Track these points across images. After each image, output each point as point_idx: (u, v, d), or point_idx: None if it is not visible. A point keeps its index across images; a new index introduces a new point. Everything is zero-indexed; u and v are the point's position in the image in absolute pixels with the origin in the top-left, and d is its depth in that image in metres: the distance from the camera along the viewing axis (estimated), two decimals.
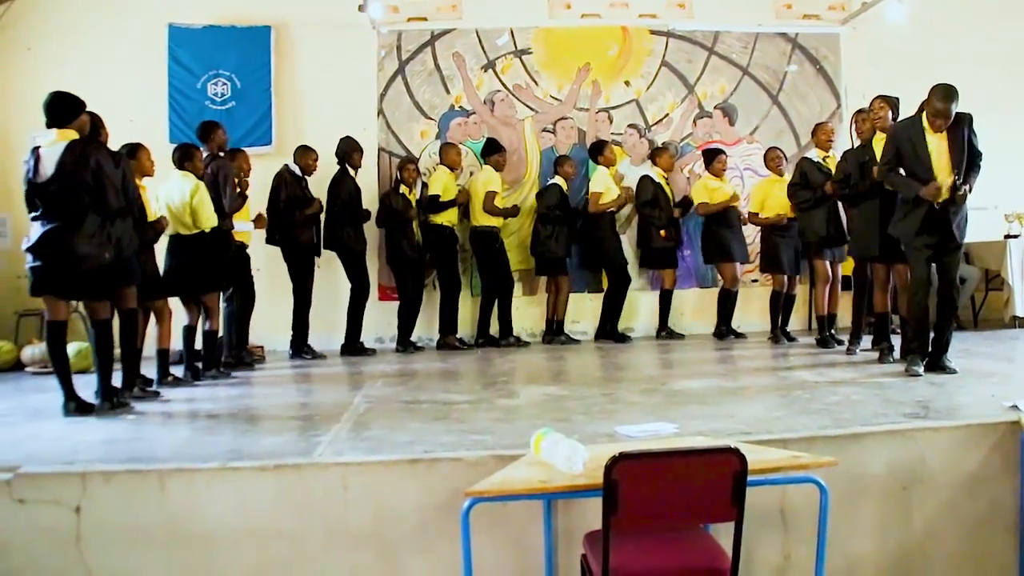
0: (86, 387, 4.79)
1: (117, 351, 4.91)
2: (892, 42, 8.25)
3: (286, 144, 7.69)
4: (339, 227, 7.41)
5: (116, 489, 3.14)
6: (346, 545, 3.17)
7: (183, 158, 5.92)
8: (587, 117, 8.61)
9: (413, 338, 7.84)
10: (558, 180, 7.94)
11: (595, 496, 2.34)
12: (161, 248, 5.90)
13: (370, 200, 7.76)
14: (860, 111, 6.56)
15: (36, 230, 4.52)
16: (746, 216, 7.85)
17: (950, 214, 5.14)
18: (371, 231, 7.73)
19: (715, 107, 8.74)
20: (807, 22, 8.80)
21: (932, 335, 5.31)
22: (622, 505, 2.27)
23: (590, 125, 8.59)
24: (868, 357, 6.05)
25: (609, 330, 8.04)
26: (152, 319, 5.86)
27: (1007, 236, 7.95)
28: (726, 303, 7.96)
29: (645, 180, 8.04)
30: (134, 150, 5.46)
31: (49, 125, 4.53)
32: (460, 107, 8.47)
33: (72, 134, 4.54)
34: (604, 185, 7.90)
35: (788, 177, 7.44)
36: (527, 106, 8.55)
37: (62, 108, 4.56)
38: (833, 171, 6.72)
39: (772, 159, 7.66)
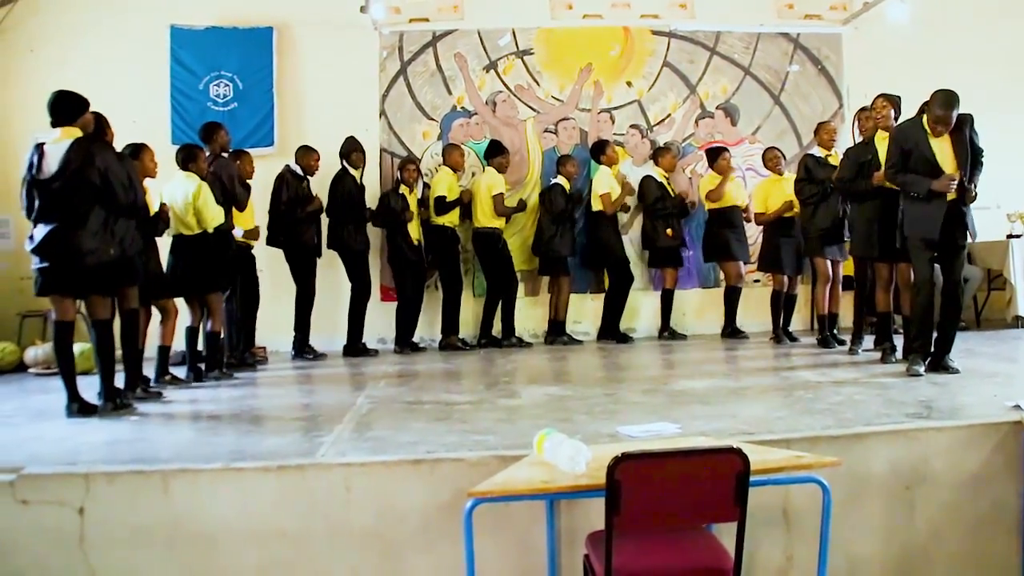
0: (89, 388, 4.79)
1: (118, 352, 4.91)
2: (894, 42, 8.25)
3: (288, 145, 7.69)
4: (340, 226, 7.43)
5: (119, 490, 3.14)
6: (349, 545, 3.17)
7: (187, 159, 5.93)
8: (589, 118, 8.61)
9: (415, 339, 7.85)
10: (560, 180, 7.94)
11: (598, 496, 2.34)
12: (164, 247, 5.91)
13: (372, 200, 7.78)
14: (864, 109, 6.55)
15: (39, 230, 4.52)
16: (752, 217, 7.85)
17: (960, 214, 5.15)
18: (374, 231, 7.74)
19: (717, 107, 8.74)
20: (809, 22, 8.80)
21: (936, 335, 5.31)
22: (625, 505, 2.27)
23: (592, 126, 8.59)
24: (871, 357, 6.04)
25: (610, 330, 8.04)
26: (155, 318, 5.86)
27: (1009, 236, 7.95)
28: (734, 300, 7.96)
29: (649, 180, 8.03)
30: (137, 151, 5.47)
31: (54, 124, 4.54)
32: (462, 108, 8.47)
33: (76, 132, 4.54)
34: (609, 185, 7.91)
35: (788, 176, 7.45)
36: (529, 107, 8.55)
37: (66, 106, 4.57)
38: (838, 167, 6.71)
39: (771, 159, 7.67)
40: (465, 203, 7.82)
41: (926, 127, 5.13)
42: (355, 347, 7.51)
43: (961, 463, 3.52)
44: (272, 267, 7.38)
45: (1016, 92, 8.55)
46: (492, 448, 3.38)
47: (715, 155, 7.93)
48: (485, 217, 7.78)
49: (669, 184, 8.10)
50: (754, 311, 8.27)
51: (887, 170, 5.47)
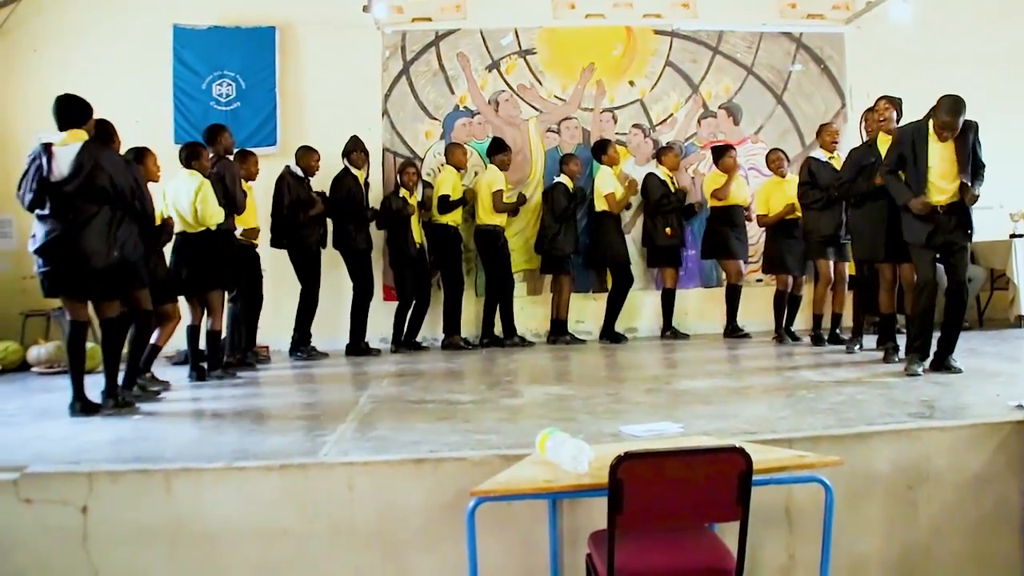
0: (93, 387, 4.79)
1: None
2: (896, 41, 8.25)
3: (291, 145, 7.69)
4: (342, 226, 7.43)
5: (122, 489, 3.15)
6: (351, 545, 3.18)
7: (190, 157, 5.94)
8: (591, 117, 8.61)
9: (418, 338, 7.85)
10: (563, 179, 7.94)
11: (600, 496, 2.34)
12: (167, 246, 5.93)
13: (376, 200, 7.78)
14: (870, 110, 6.53)
15: (41, 232, 4.53)
16: (754, 218, 7.86)
17: (953, 217, 5.15)
18: (376, 232, 7.73)
19: (719, 107, 8.74)
20: (811, 21, 8.79)
21: (940, 335, 5.31)
22: (627, 505, 2.27)
23: (594, 125, 8.59)
24: (873, 357, 6.04)
25: (607, 330, 8.03)
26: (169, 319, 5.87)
27: (1012, 235, 7.94)
28: (735, 299, 7.97)
29: (653, 178, 8.03)
30: (141, 155, 5.47)
31: (61, 127, 4.56)
32: (464, 107, 8.48)
33: (83, 135, 4.57)
34: (612, 185, 7.91)
35: (790, 178, 7.44)
36: (531, 106, 8.55)
37: (73, 110, 4.60)
38: (840, 170, 6.71)
39: (773, 160, 7.67)
40: (468, 202, 7.82)
41: (930, 131, 5.13)
42: (357, 347, 7.51)
43: (964, 463, 3.51)
44: (275, 267, 7.38)
45: (1018, 92, 8.54)
46: (495, 447, 3.39)
47: (721, 153, 7.92)
48: (486, 214, 7.79)
49: (673, 183, 8.10)
50: (757, 311, 8.27)
51: (883, 167, 5.48)
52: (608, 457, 2.30)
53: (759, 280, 8.41)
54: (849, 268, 7.05)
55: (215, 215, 5.88)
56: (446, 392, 5.21)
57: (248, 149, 7.14)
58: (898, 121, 5.82)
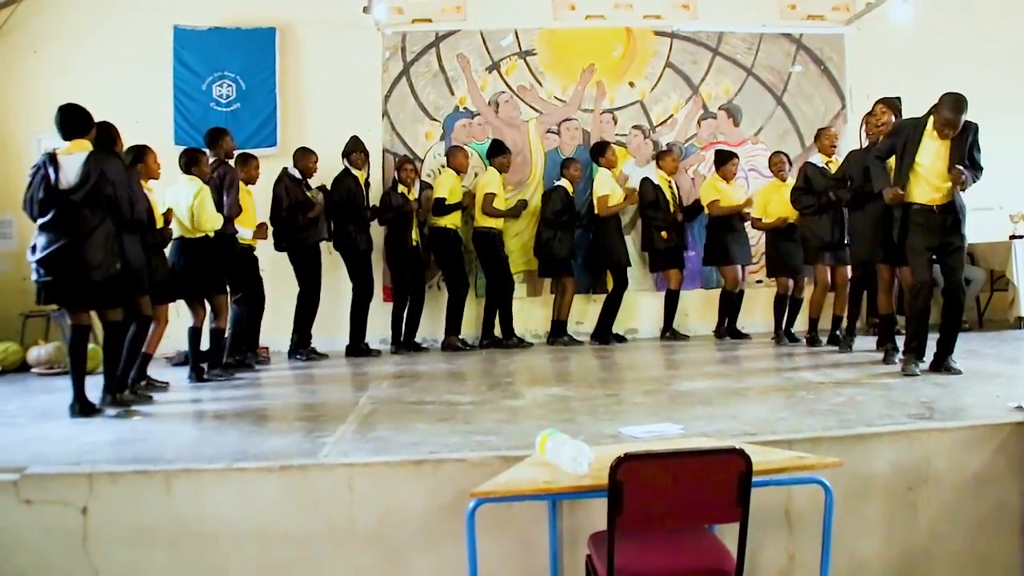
0: (93, 388, 4.80)
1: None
2: (896, 42, 8.25)
3: (291, 146, 7.68)
4: (341, 226, 7.43)
5: (122, 490, 3.15)
6: (351, 546, 3.18)
7: (189, 163, 5.95)
8: (591, 118, 8.61)
9: (417, 339, 7.85)
10: (564, 183, 7.94)
11: (600, 497, 2.35)
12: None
13: (375, 200, 7.77)
14: (870, 114, 6.52)
15: (43, 242, 4.54)
16: (750, 220, 7.86)
17: (948, 217, 5.16)
18: (376, 232, 7.72)
19: (719, 108, 8.74)
20: (811, 23, 8.79)
21: (939, 336, 5.31)
22: (627, 506, 2.27)
23: (594, 126, 8.59)
24: (873, 358, 6.04)
25: (599, 331, 8.02)
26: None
27: (1012, 237, 7.94)
28: (727, 304, 7.99)
29: (646, 183, 8.03)
30: (141, 153, 5.47)
31: (65, 137, 4.58)
32: (464, 108, 8.48)
33: (87, 144, 4.61)
34: (609, 187, 7.90)
35: (791, 182, 7.45)
36: (531, 107, 8.55)
37: (76, 119, 4.64)
38: (838, 169, 6.72)
39: (775, 163, 7.67)
40: (466, 206, 7.82)
41: (928, 127, 5.13)
42: (357, 347, 7.51)
43: (963, 464, 3.52)
44: (275, 269, 7.38)
45: (1018, 93, 8.54)
46: (494, 449, 3.39)
47: (725, 159, 7.90)
48: (482, 216, 7.80)
49: (671, 187, 8.09)
50: (758, 312, 8.29)
51: (872, 152, 5.50)
52: (608, 458, 2.30)
53: (759, 282, 8.41)
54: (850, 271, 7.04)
55: (211, 221, 5.88)
56: (446, 393, 5.21)
57: (250, 153, 7.14)
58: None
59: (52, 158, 4.53)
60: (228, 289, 6.32)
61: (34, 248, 4.60)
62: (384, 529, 3.18)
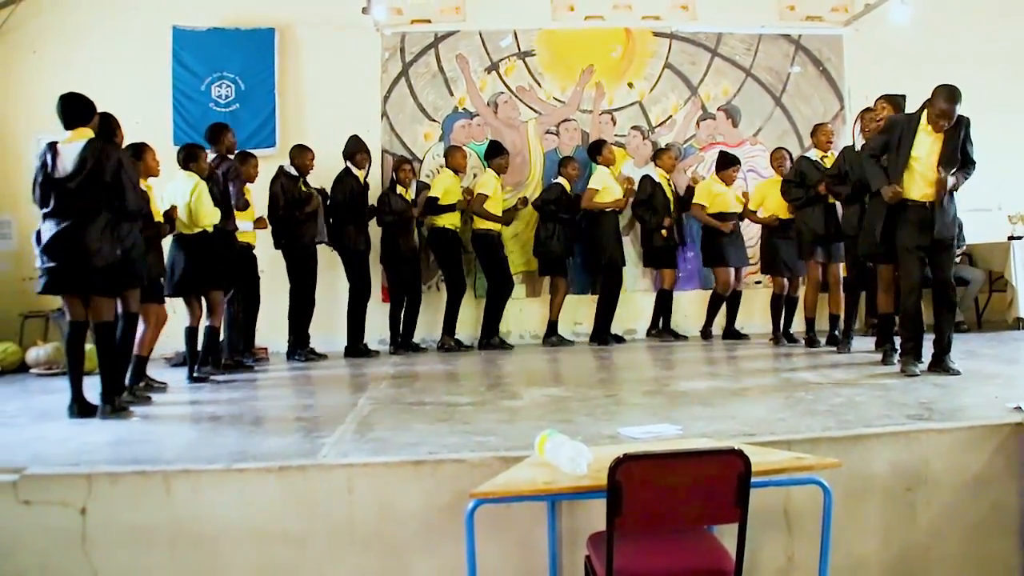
0: (90, 388, 4.79)
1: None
2: (895, 43, 8.25)
3: (290, 146, 7.66)
4: (340, 226, 7.43)
5: (122, 490, 3.15)
6: (350, 546, 3.18)
7: (188, 158, 5.94)
8: (590, 119, 8.61)
9: (416, 339, 7.85)
10: (561, 181, 7.94)
11: (599, 498, 2.35)
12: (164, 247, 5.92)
13: (373, 200, 7.77)
14: (868, 110, 6.52)
15: (47, 229, 4.55)
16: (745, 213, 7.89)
17: (936, 215, 5.17)
18: (375, 232, 7.72)
19: (718, 109, 8.75)
20: (810, 24, 8.80)
21: (934, 336, 5.31)
22: (626, 506, 2.27)
23: (593, 127, 8.60)
24: (871, 358, 6.05)
25: (597, 332, 8.01)
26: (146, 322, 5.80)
27: (1011, 237, 7.95)
28: (715, 306, 8.02)
29: (645, 180, 8.04)
30: (139, 150, 5.47)
31: (66, 126, 4.58)
32: (464, 109, 8.48)
33: (89, 132, 4.60)
34: (602, 183, 7.89)
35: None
36: (530, 108, 8.56)
37: (78, 107, 4.62)
38: (831, 167, 6.73)
39: (777, 158, 7.68)
40: (461, 209, 7.81)
41: (922, 122, 5.13)
42: (356, 348, 7.51)
43: (962, 465, 3.52)
44: (272, 268, 7.38)
45: (1017, 93, 8.56)
46: (493, 449, 3.39)
47: (727, 164, 7.90)
48: (479, 218, 7.80)
49: (669, 185, 8.10)
50: (756, 313, 8.29)
51: (864, 148, 5.49)
52: (607, 459, 2.30)
53: (758, 282, 8.41)
54: (843, 269, 7.06)
55: (209, 216, 5.87)
56: (445, 394, 5.21)
57: (248, 151, 7.14)
58: None
59: (52, 147, 4.54)
60: (226, 286, 6.31)
61: (39, 238, 4.59)
62: (383, 529, 3.18)
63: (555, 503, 3.05)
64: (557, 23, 8.60)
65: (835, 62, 8.80)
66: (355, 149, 7.50)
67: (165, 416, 4.82)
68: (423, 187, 8.10)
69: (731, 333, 8.05)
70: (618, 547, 2.33)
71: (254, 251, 6.93)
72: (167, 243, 5.93)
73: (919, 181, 5.18)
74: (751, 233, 8.13)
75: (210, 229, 5.94)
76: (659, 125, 8.68)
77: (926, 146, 5.13)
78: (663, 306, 8.20)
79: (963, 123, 5.12)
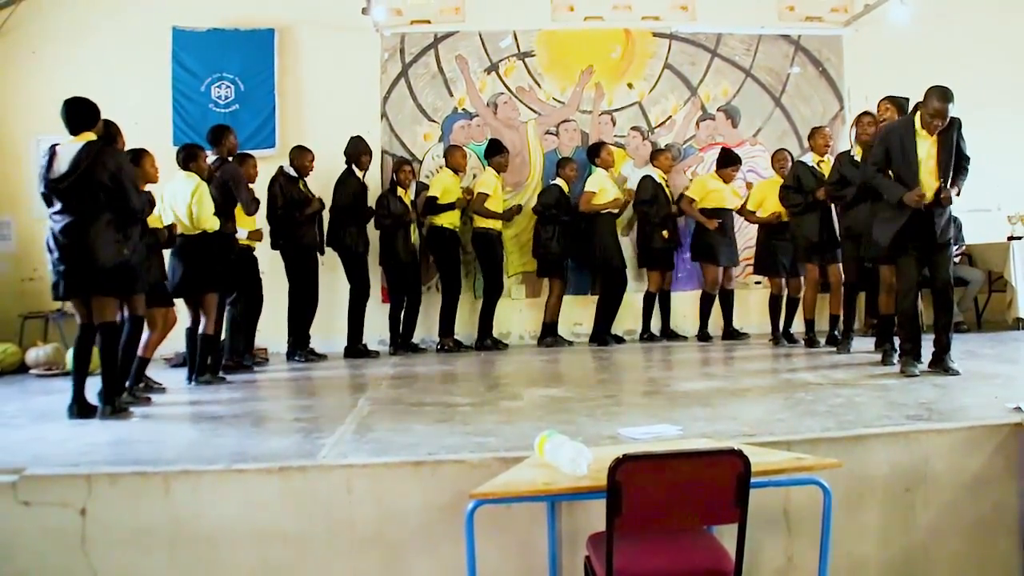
0: (88, 389, 4.78)
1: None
2: (894, 44, 8.25)
3: (289, 147, 7.65)
4: (341, 227, 7.43)
5: (121, 491, 3.15)
6: (350, 547, 3.18)
7: (187, 159, 5.92)
8: (590, 119, 8.61)
9: (416, 340, 7.85)
10: (559, 182, 7.94)
11: (599, 498, 2.35)
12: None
13: (372, 202, 7.77)
14: (865, 114, 6.52)
15: (51, 231, 4.57)
16: (744, 212, 7.90)
17: (935, 216, 5.18)
18: (374, 232, 7.73)
19: (718, 109, 8.75)
20: (810, 24, 8.80)
21: (934, 336, 5.32)
22: (626, 507, 2.27)
23: (593, 127, 8.60)
24: (871, 359, 6.05)
25: (596, 334, 8.01)
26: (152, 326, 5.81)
27: (1010, 238, 7.95)
28: (707, 305, 8.04)
29: (647, 180, 8.04)
30: (138, 156, 5.45)
31: (71, 131, 4.59)
32: (463, 110, 8.48)
33: (91, 136, 4.60)
34: (599, 186, 7.87)
35: None
36: (530, 108, 8.56)
37: (83, 112, 4.63)
38: (827, 175, 6.73)
39: (778, 159, 7.67)
40: (460, 208, 7.81)
41: (917, 127, 5.13)
42: (355, 348, 7.51)
43: (961, 465, 3.52)
44: (274, 269, 7.38)
45: (1016, 94, 8.56)
46: (493, 450, 3.39)
47: (728, 162, 7.92)
48: (479, 217, 7.80)
49: (667, 185, 8.10)
50: (754, 313, 8.29)
51: (868, 166, 5.46)
52: (606, 459, 2.30)
53: (757, 283, 8.41)
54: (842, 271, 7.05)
55: (211, 218, 5.86)
56: (444, 394, 5.21)
57: (246, 152, 7.13)
58: None
59: (53, 149, 4.56)
60: (223, 289, 6.28)
61: (47, 241, 4.61)
62: (383, 530, 3.18)
63: (555, 503, 3.05)
64: (557, 24, 8.60)
65: (835, 62, 8.80)
66: (360, 151, 7.50)
67: (165, 417, 4.82)
68: (423, 188, 8.10)
69: (730, 333, 8.05)
70: (618, 547, 2.33)
71: (254, 253, 6.91)
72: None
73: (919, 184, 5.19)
74: (750, 234, 8.12)
75: (210, 231, 5.92)
76: (659, 126, 8.68)
77: (923, 150, 5.14)
78: (651, 309, 8.19)
79: (955, 124, 5.13)
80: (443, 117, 8.46)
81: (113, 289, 4.66)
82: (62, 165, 4.49)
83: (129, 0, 8.05)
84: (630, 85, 8.66)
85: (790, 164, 7.60)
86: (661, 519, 2.38)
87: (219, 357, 6.33)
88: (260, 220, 7.00)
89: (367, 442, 3.69)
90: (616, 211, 8.02)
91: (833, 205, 6.77)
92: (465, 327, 8.04)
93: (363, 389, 5.62)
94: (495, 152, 7.92)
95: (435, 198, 7.64)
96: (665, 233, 7.96)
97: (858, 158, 6.29)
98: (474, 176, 8.19)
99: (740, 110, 8.75)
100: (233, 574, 3.15)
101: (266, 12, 8.17)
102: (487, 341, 7.82)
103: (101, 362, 4.70)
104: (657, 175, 8.06)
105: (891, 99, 6.02)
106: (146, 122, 7.33)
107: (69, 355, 6.38)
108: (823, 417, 3.93)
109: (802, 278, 7.26)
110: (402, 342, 7.74)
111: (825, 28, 8.80)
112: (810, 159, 7.13)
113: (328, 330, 7.67)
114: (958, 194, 5.23)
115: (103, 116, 4.95)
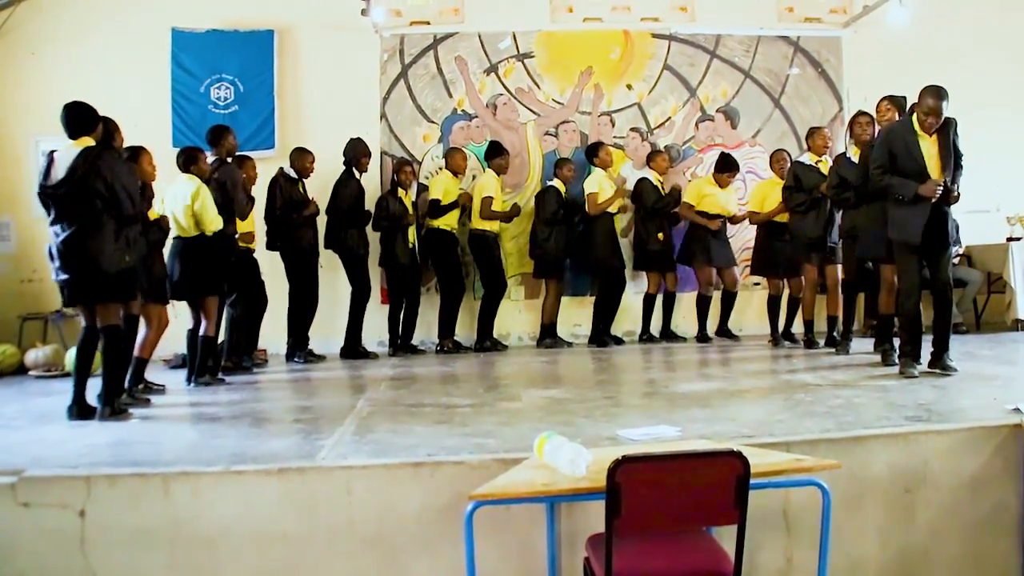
0: (88, 390, 4.78)
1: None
2: (893, 45, 8.25)
3: (289, 148, 7.65)
4: (341, 229, 7.43)
5: (121, 492, 3.15)
6: (349, 548, 3.18)
7: (188, 161, 5.91)
8: (589, 121, 8.62)
9: (415, 341, 7.85)
10: (556, 183, 7.94)
11: (598, 499, 2.35)
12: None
13: (370, 203, 7.76)
14: (862, 113, 6.51)
15: (52, 238, 4.57)
16: (745, 213, 7.92)
17: (946, 216, 5.18)
18: (372, 234, 7.73)
19: (717, 110, 8.75)
20: (809, 25, 8.80)
21: (933, 335, 5.33)
22: (625, 508, 2.27)
23: (592, 129, 8.60)
24: (870, 359, 6.05)
25: (596, 334, 8.01)
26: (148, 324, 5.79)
27: (1009, 239, 7.96)
28: (703, 307, 8.04)
29: (646, 182, 8.04)
30: (136, 154, 5.45)
31: (70, 136, 4.59)
32: (462, 111, 8.48)
33: (89, 141, 4.60)
34: (598, 186, 7.87)
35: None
36: (529, 110, 8.56)
37: (82, 117, 4.63)
38: (827, 174, 6.72)
39: (777, 160, 7.67)
40: (463, 205, 7.81)
41: (915, 127, 5.14)
42: (354, 349, 7.51)
43: (961, 466, 3.52)
44: (274, 270, 7.37)
45: (1015, 95, 8.56)
46: (493, 451, 3.38)
47: (725, 167, 7.92)
48: (478, 219, 7.81)
49: (663, 187, 8.10)
50: (754, 313, 8.29)
51: (873, 171, 5.46)
52: (606, 460, 2.31)
53: (756, 283, 8.40)
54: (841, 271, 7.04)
55: (213, 220, 5.84)
56: (443, 396, 5.21)
57: (245, 154, 7.11)
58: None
59: (51, 155, 4.56)
60: (223, 291, 6.27)
61: (51, 252, 4.62)
62: (382, 531, 3.18)
63: (554, 505, 3.04)
64: (556, 25, 8.60)
65: (834, 63, 8.81)
66: (360, 153, 7.50)
67: (164, 418, 4.82)
68: (423, 189, 8.10)
69: (723, 332, 8.06)
70: (617, 549, 2.33)
71: (254, 255, 6.91)
72: (167, 244, 5.92)
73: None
74: (748, 234, 8.12)
75: (210, 233, 5.91)
76: (658, 127, 8.69)
77: (924, 150, 5.16)
78: (651, 311, 8.19)
79: (951, 124, 5.16)
80: (442, 118, 8.46)
81: (117, 295, 4.68)
82: (59, 172, 4.49)
83: (129, 1, 8.04)
84: (629, 86, 8.66)
85: (788, 165, 7.61)
86: (660, 520, 2.38)
87: (218, 358, 6.32)
88: (258, 222, 7.01)
89: (366, 443, 3.69)
90: (614, 211, 8.00)
91: (835, 206, 6.76)
92: (464, 329, 8.04)
93: (362, 390, 5.62)
94: (495, 154, 7.92)
95: (438, 201, 7.63)
96: (661, 235, 7.96)
97: (855, 159, 6.29)
98: (474, 177, 8.19)
99: (739, 111, 8.75)
100: (232, 575, 3.15)
101: (265, 13, 8.17)
102: (486, 342, 7.82)
103: (103, 364, 4.71)
104: (653, 177, 8.06)
105: (891, 99, 6.03)
106: (145, 123, 7.31)
107: (68, 356, 6.42)
108: (822, 418, 3.93)
109: (803, 278, 7.27)
110: (401, 343, 7.74)
111: (824, 29, 8.81)
112: (807, 159, 7.13)
113: (328, 331, 7.66)
114: (958, 194, 5.25)
115: (112, 119, 4.98)
